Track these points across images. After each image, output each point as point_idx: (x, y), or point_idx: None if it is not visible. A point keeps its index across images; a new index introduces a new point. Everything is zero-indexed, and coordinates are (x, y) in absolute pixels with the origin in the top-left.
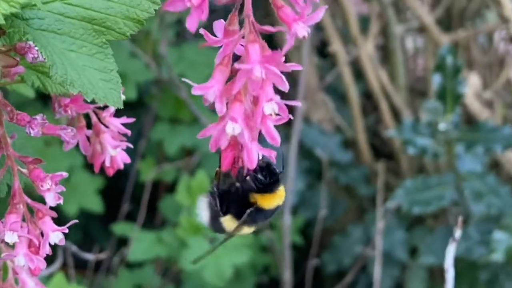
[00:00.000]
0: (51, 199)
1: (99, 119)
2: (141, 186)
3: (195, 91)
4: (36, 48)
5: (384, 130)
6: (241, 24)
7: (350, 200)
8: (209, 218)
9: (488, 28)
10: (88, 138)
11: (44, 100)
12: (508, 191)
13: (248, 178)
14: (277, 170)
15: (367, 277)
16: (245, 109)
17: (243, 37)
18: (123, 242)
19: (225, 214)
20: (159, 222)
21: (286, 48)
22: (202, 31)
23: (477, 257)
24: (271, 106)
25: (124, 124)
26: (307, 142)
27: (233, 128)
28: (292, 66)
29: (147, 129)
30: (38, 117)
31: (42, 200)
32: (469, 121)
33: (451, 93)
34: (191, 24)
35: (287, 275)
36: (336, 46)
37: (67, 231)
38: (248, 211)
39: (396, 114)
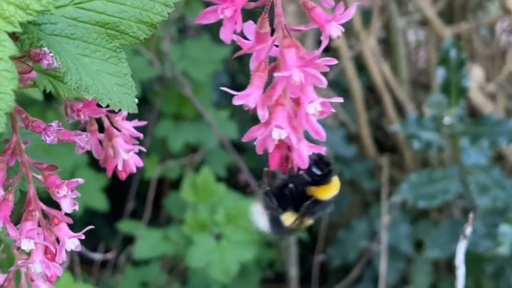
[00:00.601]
0: (67, 206)
1: (111, 123)
2: (145, 183)
3: (237, 101)
4: (51, 54)
5: (387, 124)
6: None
7: (354, 195)
8: (268, 221)
9: (490, 20)
10: (100, 142)
11: (48, 99)
12: None
13: (302, 172)
14: (330, 161)
15: (373, 271)
16: (288, 111)
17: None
18: (129, 239)
19: (284, 210)
20: (164, 219)
21: (321, 48)
22: (235, 37)
23: (483, 251)
24: (314, 106)
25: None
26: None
27: (279, 133)
28: (327, 61)
29: (151, 126)
30: (54, 124)
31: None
32: (473, 114)
33: (455, 86)
34: (225, 36)
35: (293, 271)
36: (338, 40)
37: (83, 237)
38: (305, 204)
39: (399, 108)
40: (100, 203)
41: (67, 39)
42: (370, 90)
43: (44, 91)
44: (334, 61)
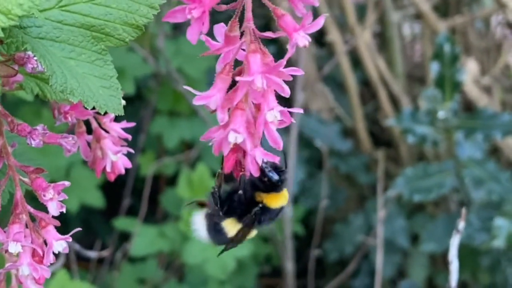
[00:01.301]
0: (54, 209)
1: (99, 124)
2: (141, 180)
3: (197, 101)
4: (35, 58)
5: (383, 118)
6: (241, 24)
7: (350, 189)
8: (208, 229)
9: (485, 13)
10: (88, 144)
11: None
12: (508, 177)
13: (255, 178)
14: (284, 170)
15: (369, 265)
16: (247, 116)
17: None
18: (125, 235)
19: (226, 215)
20: (161, 215)
21: (286, 57)
22: (203, 37)
23: (479, 244)
24: (273, 114)
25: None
26: (306, 131)
27: (235, 137)
28: (292, 71)
29: (146, 123)
30: (39, 127)
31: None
32: (468, 107)
33: (450, 80)
34: (191, 36)
35: (289, 265)
36: (333, 35)
37: (70, 240)
38: (254, 210)
39: (394, 102)
40: (96, 200)
41: (53, 42)
42: (366, 84)
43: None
44: (299, 72)
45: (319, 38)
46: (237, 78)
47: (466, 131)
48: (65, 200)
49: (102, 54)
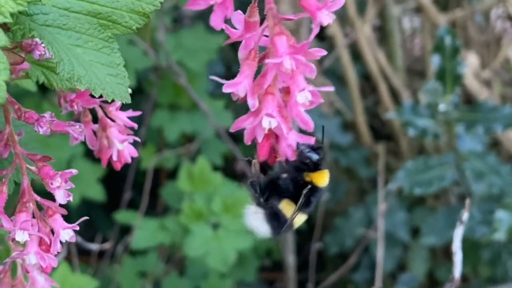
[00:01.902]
0: (61, 197)
1: (105, 113)
2: (142, 173)
3: (226, 89)
4: (43, 45)
5: (383, 112)
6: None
7: (350, 182)
8: (265, 217)
9: (485, 6)
10: (94, 133)
11: (43, 90)
12: (509, 170)
13: (302, 157)
14: (321, 145)
15: (370, 258)
16: (278, 101)
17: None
18: (126, 229)
19: (280, 200)
20: (161, 209)
21: (311, 37)
22: (224, 26)
23: (480, 237)
24: (304, 95)
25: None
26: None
27: (269, 122)
28: (318, 52)
29: (147, 116)
30: (47, 114)
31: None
32: (468, 100)
33: (450, 73)
34: (215, 22)
35: (290, 259)
36: (333, 29)
37: (77, 228)
38: (305, 190)
39: (395, 95)
40: (97, 193)
41: (59, 29)
42: (366, 78)
43: (37, 83)
44: (324, 52)
45: (319, 31)
46: (266, 61)
47: (466, 124)
48: None
49: (109, 42)
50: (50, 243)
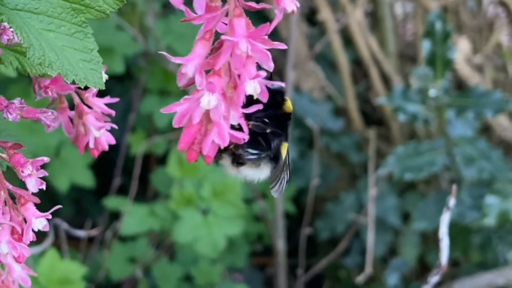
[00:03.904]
0: (33, 185)
1: (81, 100)
2: (132, 159)
3: (175, 60)
4: (11, 29)
5: (374, 97)
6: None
7: (342, 168)
8: (267, 163)
9: None
10: (71, 120)
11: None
12: (499, 155)
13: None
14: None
15: (361, 243)
16: (223, 88)
17: (226, 15)
18: (117, 214)
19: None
20: (151, 194)
21: (274, 23)
22: (183, 7)
23: (470, 222)
24: (253, 85)
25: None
26: (298, 111)
27: (209, 100)
28: (277, 45)
29: (136, 102)
30: (16, 101)
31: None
32: (460, 85)
33: (441, 59)
34: (175, 0)
35: (280, 244)
36: (325, 14)
37: (50, 217)
38: (288, 123)
39: (386, 81)
40: (87, 180)
41: (31, 13)
42: (357, 63)
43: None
44: (283, 46)
45: (310, 16)
46: (223, 37)
47: (457, 109)
48: (55, 180)
49: (82, 27)
50: (23, 232)
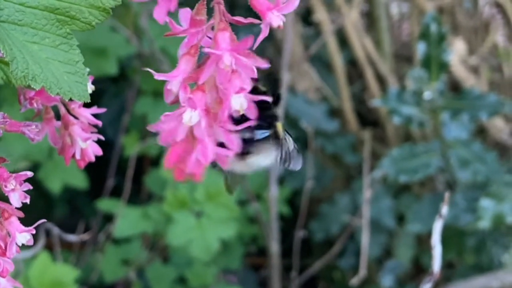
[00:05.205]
0: (16, 200)
1: (68, 110)
2: (126, 160)
3: (159, 77)
4: None
5: (369, 98)
6: (209, 15)
7: (336, 169)
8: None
9: None
10: (58, 130)
11: None
12: (494, 157)
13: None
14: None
15: (355, 245)
16: (206, 103)
17: (212, 28)
18: (110, 216)
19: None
20: (145, 196)
21: (260, 38)
22: (167, 19)
23: (464, 224)
24: (240, 100)
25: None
26: (292, 112)
27: (190, 116)
28: (260, 63)
29: (131, 103)
30: None
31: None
32: (455, 86)
33: (436, 61)
34: (158, 15)
35: (274, 247)
36: (320, 14)
37: (34, 232)
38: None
39: (381, 81)
40: (80, 181)
41: (15, 25)
42: (353, 64)
43: None
44: (265, 64)
45: (306, 17)
46: (206, 50)
47: (452, 111)
48: (48, 181)
49: (67, 38)
50: (6, 246)
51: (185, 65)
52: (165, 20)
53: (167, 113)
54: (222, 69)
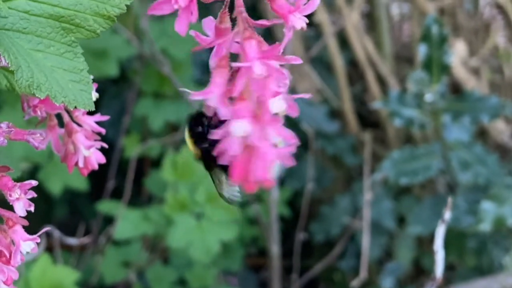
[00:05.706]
0: (21, 209)
1: (71, 118)
2: (126, 162)
3: (194, 97)
4: None
5: (370, 100)
6: (232, 21)
7: (337, 170)
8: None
9: None
10: (61, 138)
11: None
12: (495, 160)
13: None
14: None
15: (356, 247)
16: (252, 109)
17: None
18: (111, 218)
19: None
20: (146, 198)
21: (284, 41)
22: (193, 32)
23: (465, 227)
24: (279, 103)
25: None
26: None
27: (242, 127)
28: (292, 60)
29: (131, 104)
30: (3, 125)
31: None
32: (456, 89)
33: (437, 63)
34: (180, 28)
35: (274, 249)
36: (321, 16)
37: (39, 240)
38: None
39: (382, 83)
40: (80, 183)
41: (19, 33)
42: (353, 65)
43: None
44: (299, 60)
45: (307, 17)
46: (234, 64)
47: (453, 114)
48: (49, 183)
49: (72, 46)
50: (10, 255)
51: (219, 79)
52: (187, 32)
53: (214, 131)
54: (254, 78)
